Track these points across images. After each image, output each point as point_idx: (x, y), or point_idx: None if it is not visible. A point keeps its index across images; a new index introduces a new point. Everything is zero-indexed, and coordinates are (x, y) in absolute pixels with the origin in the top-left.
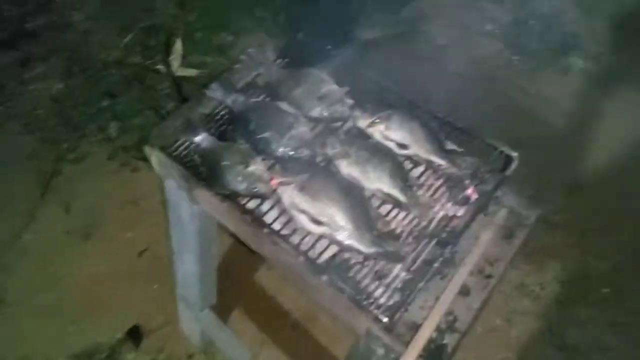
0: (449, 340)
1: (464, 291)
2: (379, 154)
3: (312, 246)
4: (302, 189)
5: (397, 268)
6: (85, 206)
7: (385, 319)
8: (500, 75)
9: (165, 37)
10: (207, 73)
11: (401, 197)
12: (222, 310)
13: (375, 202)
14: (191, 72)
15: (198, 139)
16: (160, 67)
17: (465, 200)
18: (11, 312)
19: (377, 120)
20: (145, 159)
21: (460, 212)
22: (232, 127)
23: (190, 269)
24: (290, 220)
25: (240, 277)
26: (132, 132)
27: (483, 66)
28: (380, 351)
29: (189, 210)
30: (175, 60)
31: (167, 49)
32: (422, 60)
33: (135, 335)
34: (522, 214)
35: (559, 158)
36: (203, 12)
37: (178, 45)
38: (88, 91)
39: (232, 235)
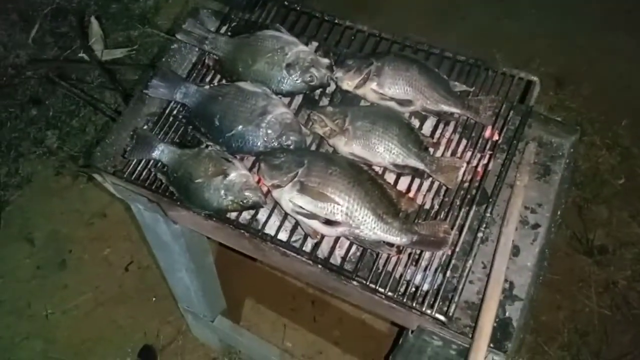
0: (512, 312)
1: (512, 251)
2: (381, 119)
3: (332, 250)
4: (302, 188)
5: None
6: (49, 233)
7: (439, 315)
8: None
9: (77, 19)
10: (136, 49)
11: (420, 165)
12: (233, 309)
13: (391, 177)
14: (119, 53)
15: (156, 153)
16: (82, 55)
17: (492, 145)
18: None
19: (366, 77)
20: None
21: (489, 161)
22: (192, 127)
23: (188, 285)
24: (297, 224)
25: (242, 266)
26: (74, 138)
27: None
28: (438, 343)
29: (168, 230)
30: (96, 43)
31: (84, 33)
32: None
33: (148, 356)
34: (553, 144)
35: (538, 52)
36: None
37: (95, 26)
38: (8, 104)
39: None
